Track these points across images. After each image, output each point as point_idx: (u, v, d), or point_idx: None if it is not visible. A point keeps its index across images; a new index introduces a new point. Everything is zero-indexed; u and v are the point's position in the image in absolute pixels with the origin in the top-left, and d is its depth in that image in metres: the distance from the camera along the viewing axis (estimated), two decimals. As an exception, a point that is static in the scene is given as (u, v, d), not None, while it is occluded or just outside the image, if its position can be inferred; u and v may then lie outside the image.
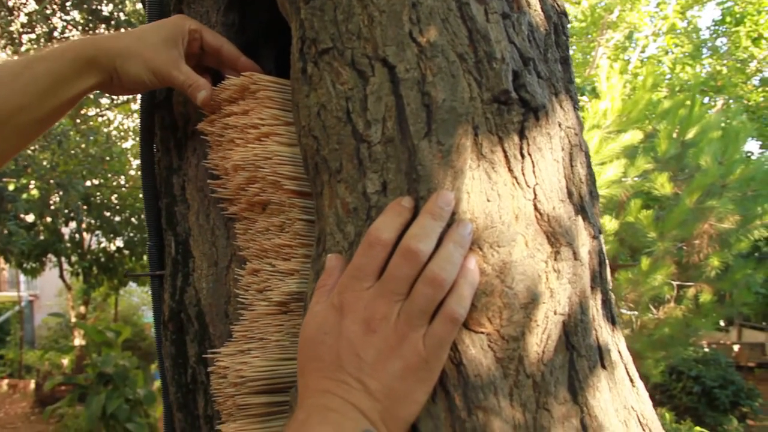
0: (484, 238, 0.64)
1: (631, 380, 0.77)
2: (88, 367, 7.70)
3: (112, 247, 10.33)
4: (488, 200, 0.66)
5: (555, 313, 0.66)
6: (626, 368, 0.77)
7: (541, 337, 0.65)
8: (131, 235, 10.21)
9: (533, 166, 0.69)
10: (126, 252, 10.28)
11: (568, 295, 0.67)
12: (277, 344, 0.78)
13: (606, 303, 0.77)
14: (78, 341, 10.68)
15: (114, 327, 8.82)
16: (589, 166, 0.80)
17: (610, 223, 5.43)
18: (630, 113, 5.46)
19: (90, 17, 6.45)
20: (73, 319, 11.33)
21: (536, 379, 0.64)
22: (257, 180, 0.80)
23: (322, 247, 0.72)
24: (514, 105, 0.69)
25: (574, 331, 0.67)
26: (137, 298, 15.36)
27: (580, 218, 0.72)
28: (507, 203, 0.66)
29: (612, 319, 0.78)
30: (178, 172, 0.95)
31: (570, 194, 0.72)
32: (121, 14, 6.60)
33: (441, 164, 0.66)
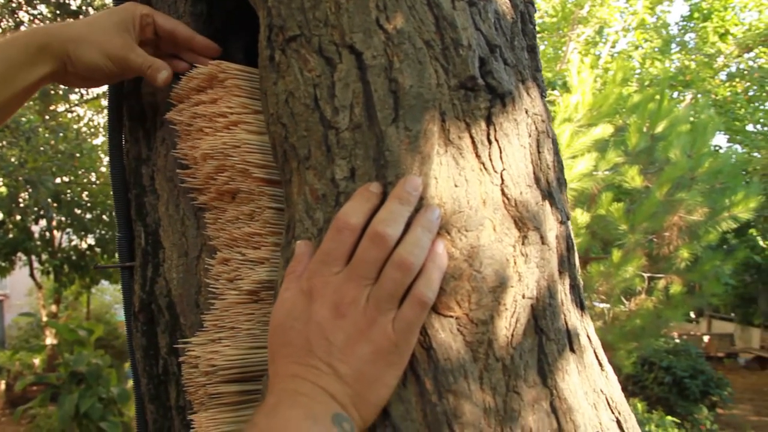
0: (452, 222, 0.65)
1: (600, 365, 0.78)
2: (60, 366, 7.59)
3: (84, 245, 10.18)
4: (456, 185, 0.66)
5: (523, 297, 0.67)
6: (595, 353, 0.78)
7: (510, 321, 0.66)
8: (103, 232, 10.07)
9: (500, 152, 0.70)
10: (98, 250, 10.14)
11: (536, 279, 0.68)
12: (248, 333, 0.78)
13: (574, 288, 0.78)
14: (49, 340, 10.52)
15: (87, 325, 8.70)
16: (556, 153, 0.80)
17: (581, 216, 5.49)
18: (600, 107, 5.52)
19: (58, 11, 6.34)
20: (44, 319, 11.15)
21: (506, 363, 0.65)
22: (226, 168, 0.80)
23: (291, 235, 0.72)
24: (481, 91, 0.70)
25: (542, 315, 0.68)
26: (109, 296, 15.17)
27: (547, 203, 0.73)
28: (474, 188, 0.67)
29: (580, 305, 0.79)
30: (147, 163, 0.94)
31: (537, 180, 0.73)
32: (90, 8, 6.49)
33: (408, 150, 0.66)
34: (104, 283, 11.92)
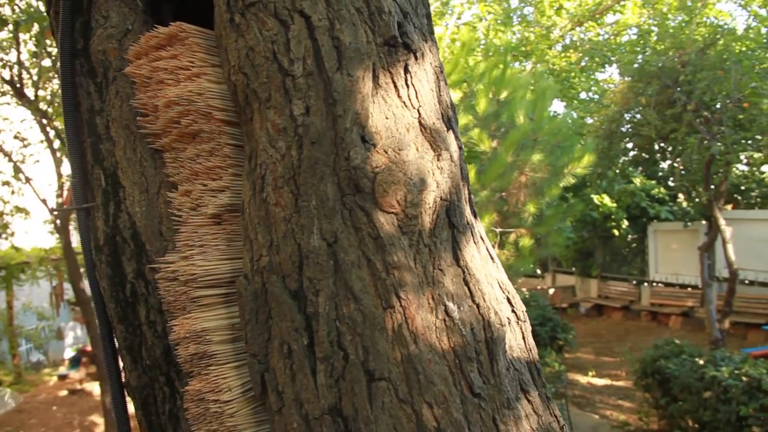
0: (389, 144, 0.86)
1: (492, 258, 1.03)
2: None
3: None
4: (387, 118, 0.87)
5: (441, 199, 0.89)
6: (487, 248, 1.03)
7: (432, 217, 0.88)
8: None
9: (416, 93, 0.91)
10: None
11: (448, 186, 0.91)
12: (215, 248, 0.95)
13: (470, 199, 1.02)
14: None
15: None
16: (449, 97, 1.03)
17: (440, 178, 5.84)
18: (450, 74, 5.91)
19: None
20: None
21: (431, 248, 0.88)
22: (190, 113, 0.95)
23: (255, 162, 0.90)
24: (400, 48, 0.91)
25: (454, 213, 0.91)
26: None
27: (451, 132, 0.96)
28: (400, 120, 0.88)
29: (474, 213, 1.03)
30: (100, 114, 1.06)
31: (442, 115, 0.96)
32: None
33: (351, 91, 0.86)
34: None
